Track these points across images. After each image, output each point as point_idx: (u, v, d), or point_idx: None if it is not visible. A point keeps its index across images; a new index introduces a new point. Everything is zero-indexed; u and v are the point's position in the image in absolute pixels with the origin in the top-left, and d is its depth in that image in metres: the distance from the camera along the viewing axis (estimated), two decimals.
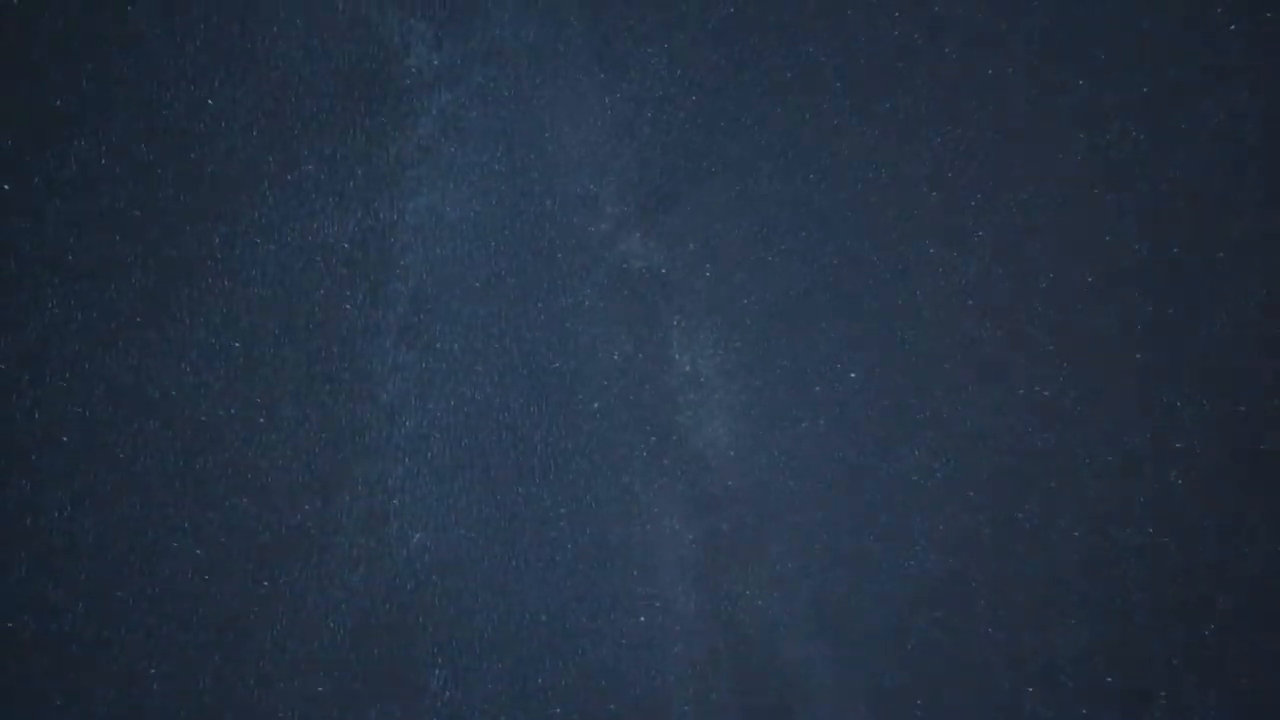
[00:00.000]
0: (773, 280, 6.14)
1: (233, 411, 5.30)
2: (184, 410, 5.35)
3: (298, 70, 5.27)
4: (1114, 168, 6.18)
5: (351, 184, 5.32)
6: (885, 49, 5.95)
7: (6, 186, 4.63)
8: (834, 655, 6.55)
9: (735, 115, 5.83)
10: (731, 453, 6.32)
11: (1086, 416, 6.26)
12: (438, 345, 5.60)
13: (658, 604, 6.26)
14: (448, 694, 5.85)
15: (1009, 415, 6.37)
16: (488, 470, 5.83)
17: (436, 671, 5.86)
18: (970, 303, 6.42)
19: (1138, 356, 6.29)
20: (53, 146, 5.03)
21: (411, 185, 5.43)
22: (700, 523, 6.37)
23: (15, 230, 5.05)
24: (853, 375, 6.34)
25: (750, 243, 6.06)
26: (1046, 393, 6.25)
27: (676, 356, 6.14)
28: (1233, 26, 5.85)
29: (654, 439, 6.18)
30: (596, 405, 5.92)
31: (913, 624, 6.58)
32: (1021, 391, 6.25)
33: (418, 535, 5.81)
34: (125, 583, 5.44)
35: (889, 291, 6.38)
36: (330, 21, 5.18)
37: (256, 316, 5.30)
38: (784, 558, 6.55)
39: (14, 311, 5.02)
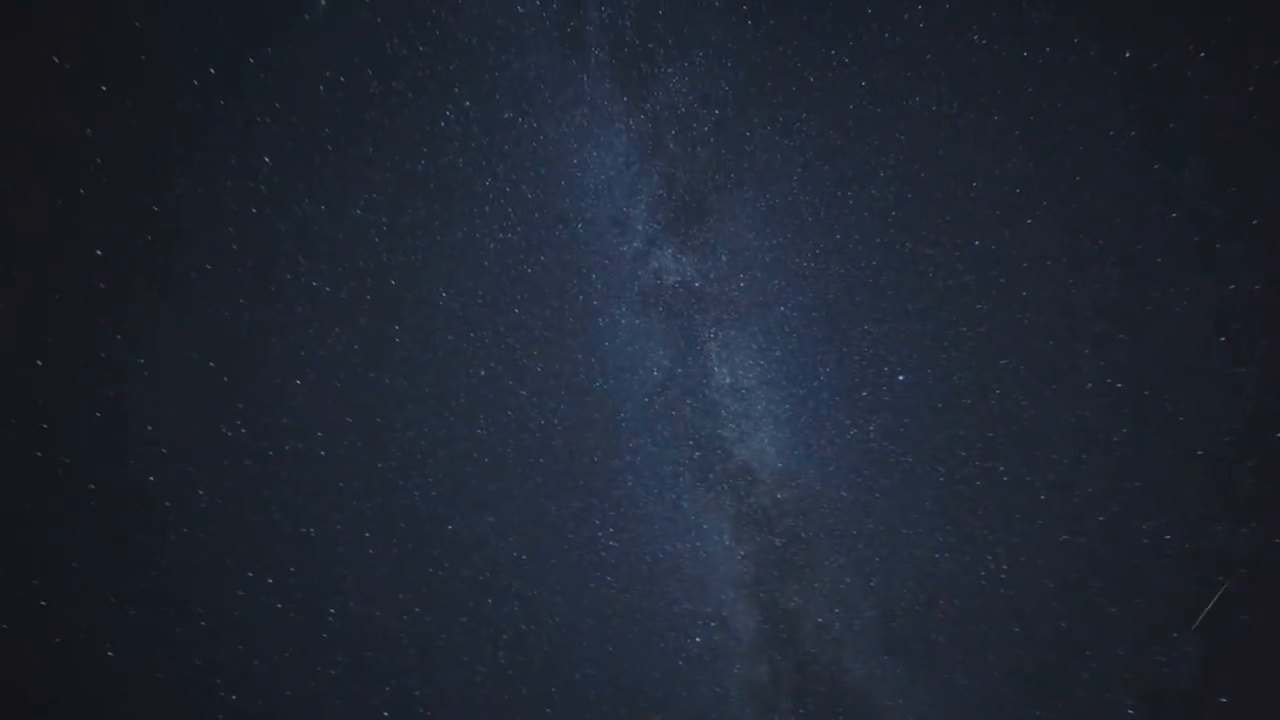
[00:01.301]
0: (810, 286, 5.68)
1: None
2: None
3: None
4: (1165, 153, 5.45)
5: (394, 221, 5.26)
6: (909, 44, 5.48)
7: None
8: (905, 674, 5.82)
9: (759, 125, 5.49)
10: (779, 464, 5.82)
11: (1166, 407, 5.41)
12: (481, 371, 5.43)
13: (713, 623, 5.78)
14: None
15: (1079, 410, 5.59)
16: (535, 492, 5.57)
17: (494, 695, 5.55)
18: (1025, 294, 5.74)
19: (1222, 340, 5.42)
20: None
21: (448, 215, 5.33)
22: (752, 537, 5.86)
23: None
24: (901, 378, 5.74)
25: (783, 250, 5.65)
26: (1120, 385, 5.46)
27: (716, 369, 5.75)
28: None
29: (698, 454, 5.77)
30: (639, 422, 5.58)
31: (990, 639, 5.78)
32: (1091, 385, 5.48)
33: (477, 557, 5.58)
34: None
35: (936, 288, 5.78)
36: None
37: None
38: (843, 572, 5.93)
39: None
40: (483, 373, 5.47)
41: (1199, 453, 5.17)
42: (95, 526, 5.17)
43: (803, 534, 5.57)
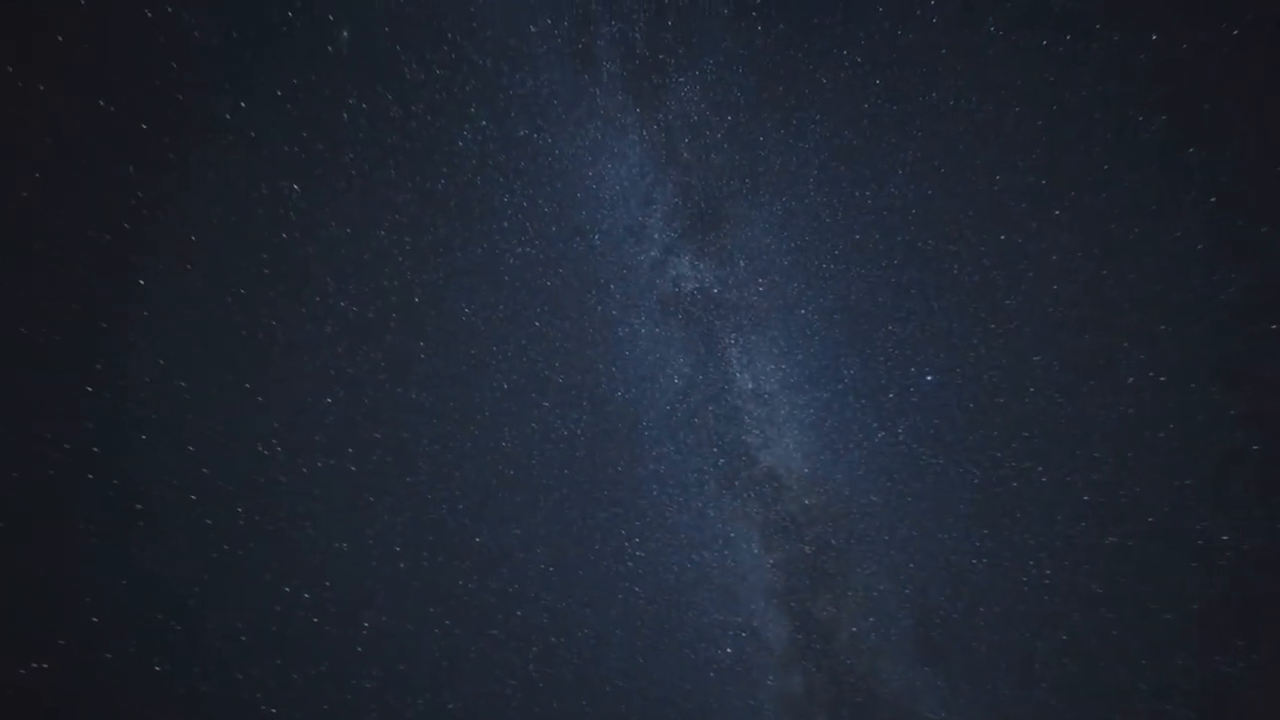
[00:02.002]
0: (830, 287, 5.43)
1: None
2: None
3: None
4: (1199, 136, 5.06)
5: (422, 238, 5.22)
6: (922, 40, 5.24)
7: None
8: (945, 686, 5.42)
9: (772, 129, 5.30)
10: (806, 470, 5.54)
11: (1215, 400, 4.97)
12: (504, 384, 5.32)
13: (744, 633, 5.49)
14: None
15: (1121, 406, 5.19)
16: (560, 503, 5.41)
17: (526, 708, 5.37)
18: (1057, 287, 5.38)
19: (1274, 329, 4.97)
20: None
21: (468, 233, 5.27)
22: (781, 545, 5.58)
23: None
24: (929, 378, 5.42)
25: (802, 252, 5.42)
26: (1163, 378, 5.04)
27: (737, 375, 5.53)
28: None
29: (722, 461, 5.53)
30: (661, 431, 5.38)
31: (1036, 648, 5.35)
32: (1132, 379, 5.08)
33: (505, 569, 5.43)
34: None
35: (962, 285, 5.47)
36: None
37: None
38: (877, 579, 5.59)
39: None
40: (506, 386, 5.35)
41: (1254, 448, 4.71)
42: (141, 544, 5.18)
43: (833, 541, 5.27)
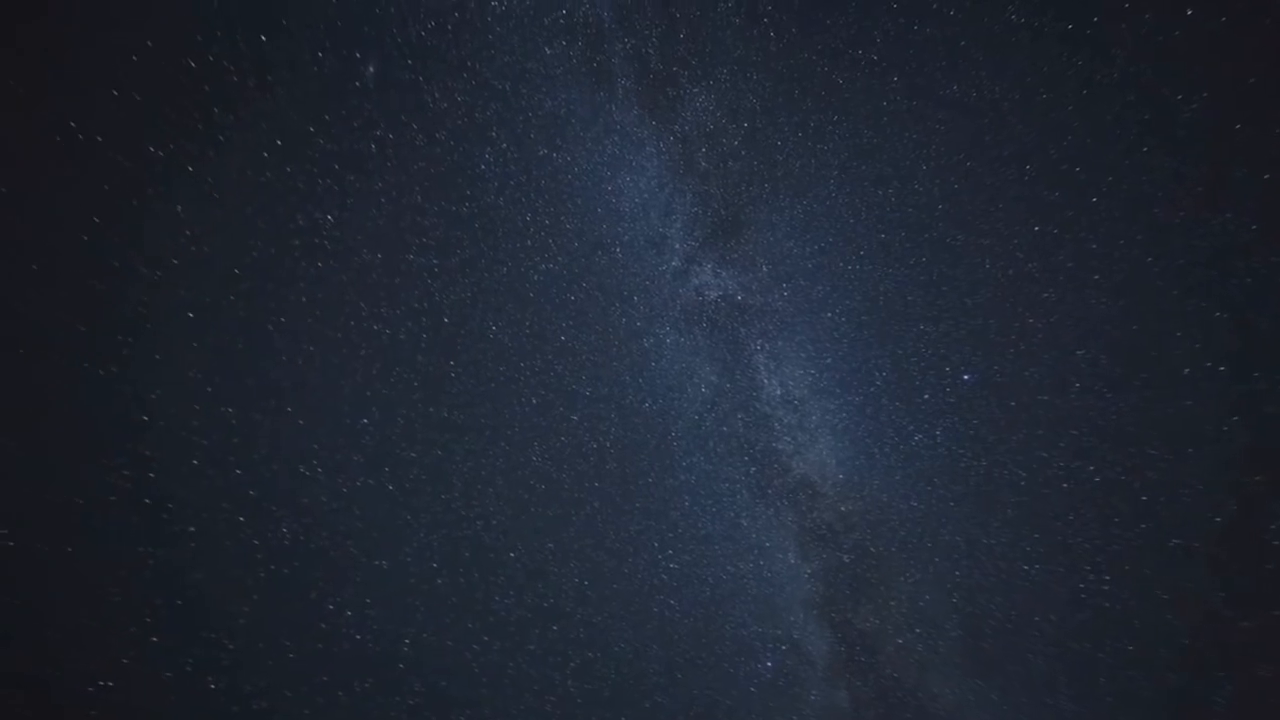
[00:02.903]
0: (857, 289, 5.10)
1: None
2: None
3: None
4: (1247, 111, 4.58)
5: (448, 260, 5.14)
6: (940, 33, 4.92)
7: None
8: (1002, 700, 4.93)
9: (790, 133, 5.04)
10: (840, 476, 5.18)
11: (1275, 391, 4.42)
12: (533, 400, 5.16)
13: (784, 646, 5.13)
14: None
15: (1177, 399, 4.68)
16: (592, 517, 5.18)
17: None
18: (1099, 277, 4.93)
19: None
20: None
21: (493, 252, 5.17)
22: (818, 554, 5.22)
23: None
24: (966, 377, 5.02)
25: (826, 255, 5.12)
26: (1223, 368, 4.53)
27: (765, 381, 5.23)
28: None
29: (754, 469, 5.22)
30: (691, 441, 5.11)
31: (1099, 661, 4.83)
32: (1187, 370, 4.58)
33: (540, 584, 5.22)
34: None
35: (996, 280, 5.07)
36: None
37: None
38: (921, 588, 5.17)
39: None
40: (534, 401, 5.18)
41: None
42: (194, 566, 5.17)
43: (872, 549, 4.87)
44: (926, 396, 4.73)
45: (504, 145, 5.32)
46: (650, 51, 5.26)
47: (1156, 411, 4.57)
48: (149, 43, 4.90)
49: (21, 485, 5.02)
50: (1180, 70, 4.56)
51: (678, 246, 5.25)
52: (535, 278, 5.38)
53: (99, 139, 4.94)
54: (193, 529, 5.08)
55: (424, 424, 5.34)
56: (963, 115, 5.02)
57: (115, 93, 4.92)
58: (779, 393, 4.99)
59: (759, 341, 5.03)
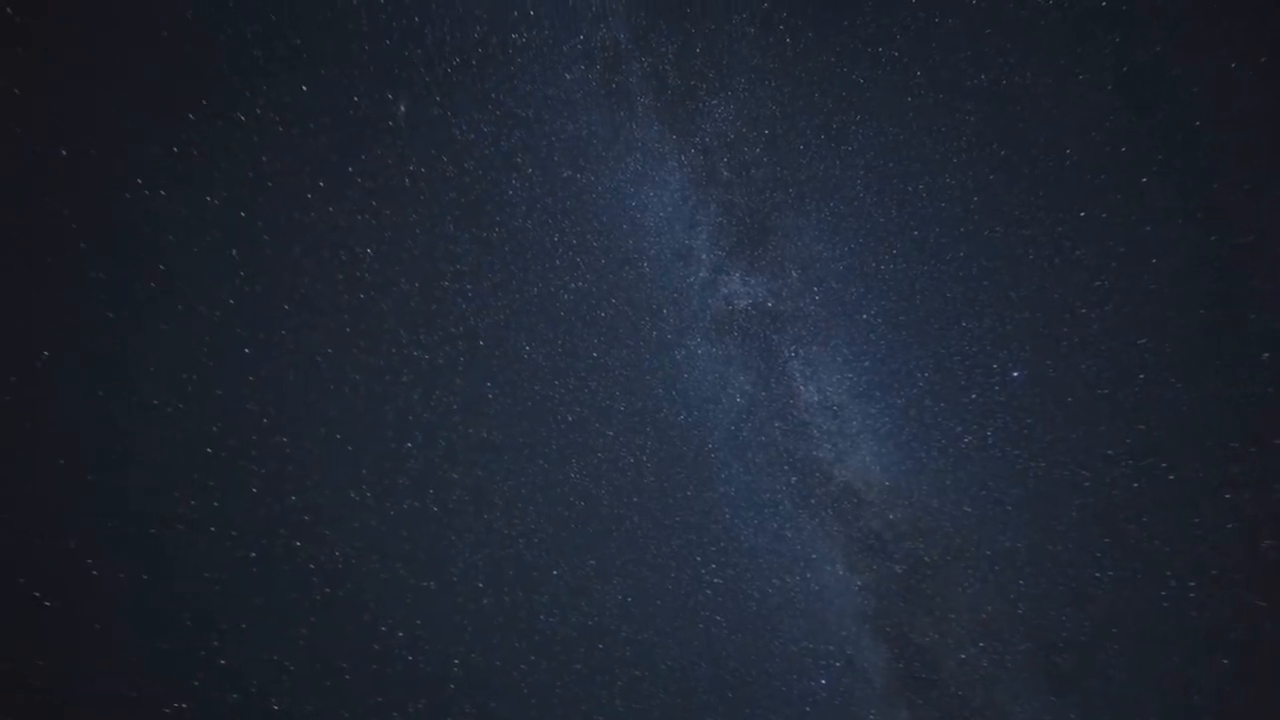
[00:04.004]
0: (892, 289, 4.68)
1: None
2: None
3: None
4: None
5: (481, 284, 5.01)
6: (963, 24, 4.52)
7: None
8: (1079, 718, 4.29)
9: (812, 136, 4.72)
10: (886, 482, 4.70)
11: None
12: (568, 417, 4.91)
13: (838, 663, 4.64)
14: None
15: (1257, 386, 4.04)
16: (632, 532, 4.85)
17: None
18: (1157, 261, 4.38)
19: None
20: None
21: (523, 274, 4.99)
22: (868, 565, 4.73)
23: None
24: (1016, 374, 4.50)
25: (857, 256, 4.73)
26: None
27: (801, 388, 4.84)
28: None
29: (795, 479, 4.81)
30: (728, 452, 4.75)
31: (1191, 675, 4.15)
32: (1266, 354, 3.94)
33: (584, 602, 4.91)
34: None
35: (1041, 270, 4.56)
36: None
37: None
38: (983, 599, 4.60)
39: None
40: (570, 418, 4.93)
41: None
42: (256, 591, 5.08)
43: (926, 558, 4.36)
44: (974, 396, 4.21)
45: (529, 170, 5.17)
46: (667, 68, 5.04)
47: (1234, 400, 3.93)
48: (204, 102, 4.98)
49: (104, 520, 5.05)
50: (1232, 35, 4.00)
51: (705, 257, 4.95)
52: (565, 297, 5.16)
53: (161, 193, 5.01)
54: (253, 554, 5.01)
55: (464, 445, 5.16)
56: (993, 104, 4.57)
57: (175, 149, 5.01)
58: (816, 399, 4.56)
59: (793, 348, 4.63)
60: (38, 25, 4.36)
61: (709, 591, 4.70)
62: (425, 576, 5.32)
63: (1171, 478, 4.07)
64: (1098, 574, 4.16)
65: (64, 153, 4.79)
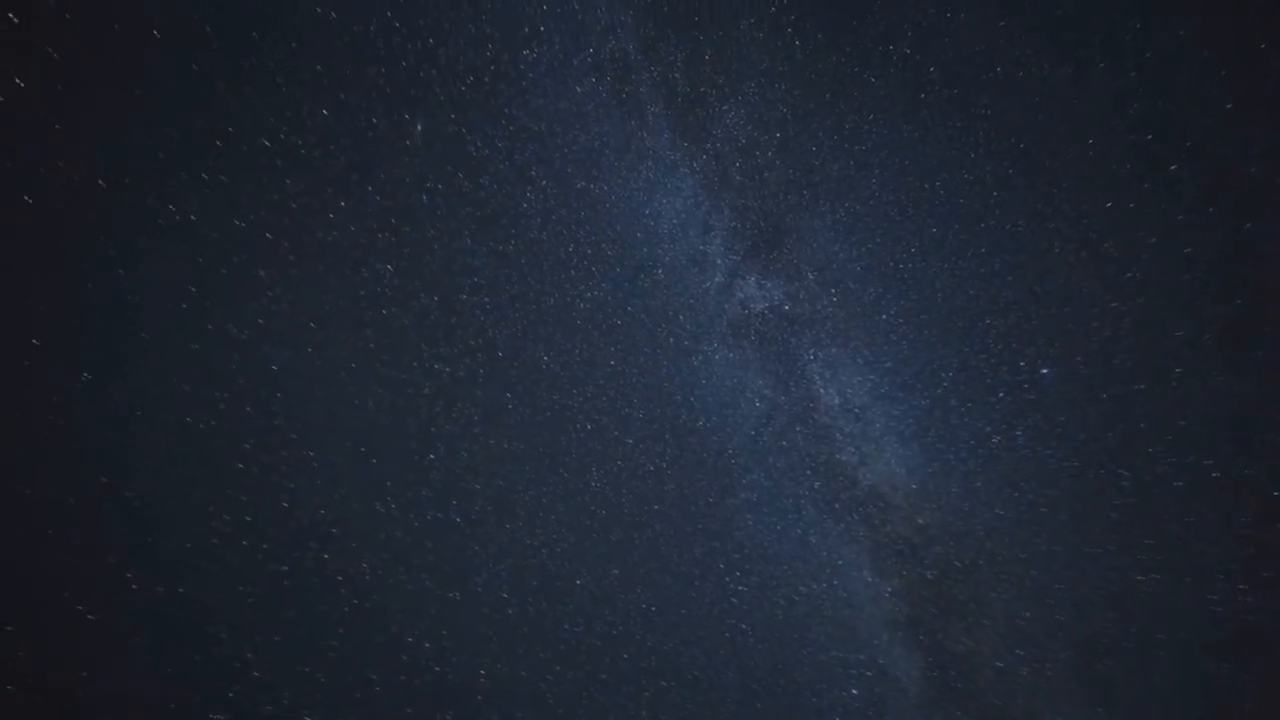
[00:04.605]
0: (911, 288, 4.46)
1: None
2: None
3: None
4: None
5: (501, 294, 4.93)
6: (977, 16, 4.32)
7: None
8: None
9: (824, 137, 4.54)
10: (913, 486, 4.46)
11: None
12: (588, 425, 4.77)
13: (869, 672, 4.39)
14: None
15: None
16: (654, 540, 4.68)
17: None
18: (1190, 250, 4.10)
19: None
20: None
21: (540, 285, 4.90)
22: (897, 571, 4.48)
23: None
24: (1045, 371, 4.24)
25: (874, 256, 4.52)
26: None
27: (822, 391, 4.63)
28: None
29: (818, 483, 4.59)
30: (749, 457, 4.56)
31: (1242, 681, 3.80)
32: None
33: (608, 610, 4.74)
34: None
35: (1067, 263, 4.30)
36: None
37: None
38: (1019, 605, 4.32)
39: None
40: (589, 426, 4.80)
41: None
42: (286, 605, 5.03)
43: (957, 562, 4.10)
44: (1002, 395, 3.96)
45: (543, 182, 5.08)
46: (677, 77, 4.92)
47: None
48: (230, 129, 5.00)
49: (142, 536, 5.06)
50: (1263, 15, 3.72)
51: (719, 262, 4.79)
52: (582, 306, 5.04)
53: (193, 218, 5.04)
54: (284, 567, 4.95)
55: (485, 456, 5.06)
56: (1010, 97, 4.34)
57: (204, 176, 5.04)
58: (838, 402, 4.35)
59: (811, 350, 4.43)
60: (80, 64, 4.41)
61: (734, 599, 4.48)
62: (450, 587, 5.21)
63: (1216, 475, 3.75)
64: (1140, 577, 3.85)
65: (101, 184, 4.83)
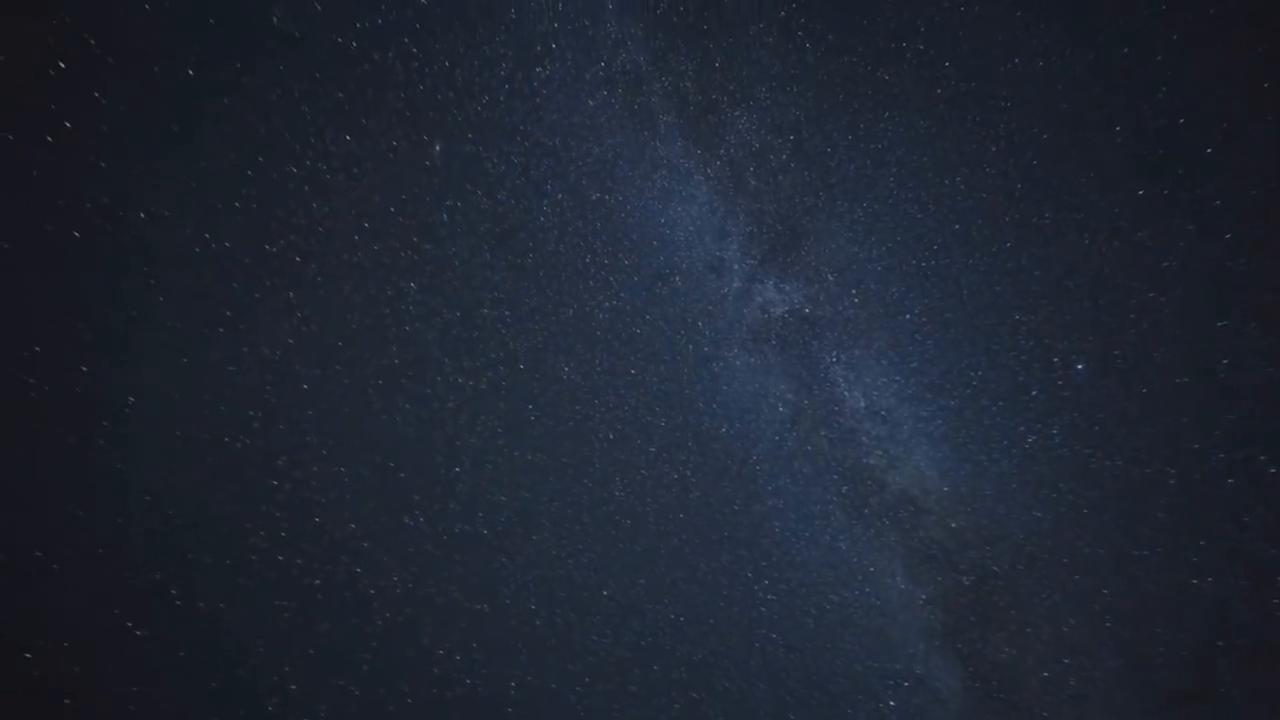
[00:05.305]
0: (935, 285, 4.24)
1: None
2: None
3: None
4: None
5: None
6: (992, 8, 4.11)
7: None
8: None
9: (839, 138, 4.37)
10: (945, 489, 4.20)
11: None
12: (610, 435, 4.64)
13: (907, 682, 4.13)
14: None
15: None
16: (680, 550, 4.50)
17: None
18: (1229, 237, 3.80)
19: None
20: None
21: (558, 297, 4.81)
22: (931, 577, 4.22)
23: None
24: (1080, 366, 3.96)
25: (895, 255, 4.32)
26: None
27: (846, 394, 4.42)
28: None
29: (845, 488, 4.37)
30: (774, 463, 4.36)
31: None
32: None
33: (636, 621, 4.56)
34: None
35: (1100, 253, 4.03)
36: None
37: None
38: (1063, 611, 4.02)
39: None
40: (611, 436, 4.67)
41: None
42: (320, 619, 4.97)
43: (995, 568, 3.82)
44: (1035, 393, 3.69)
45: (559, 196, 5.01)
46: (688, 86, 4.81)
47: None
48: (260, 159, 5.05)
49: (183, 553, 5.07)
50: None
51: (737, 267, 4.64)
52: (600, 316, 4.93)
53: (227, 245, 5.09)
54: (318, 582, 4.89)
55: (510, 467, 4.96)
56: (1029, 87, 4.10)
57: (237, 204, 5.09)
58: (863, 404, 4.12)
59: (834, 353, 4.22)
60: (124, 106, 4.50)
61: (763, 608, 4.26)
62: (479, 599, 5.09)
63: (1272, 471, 3.41)
64: (1195, 581, 3.52)
65: (142, 215, 4.91)
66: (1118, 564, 3.87)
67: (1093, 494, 3.97)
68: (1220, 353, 3.83)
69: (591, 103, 5.11)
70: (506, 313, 5.26)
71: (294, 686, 5.25)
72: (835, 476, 4.48)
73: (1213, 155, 3.84)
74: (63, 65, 4.55)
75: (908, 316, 4.38)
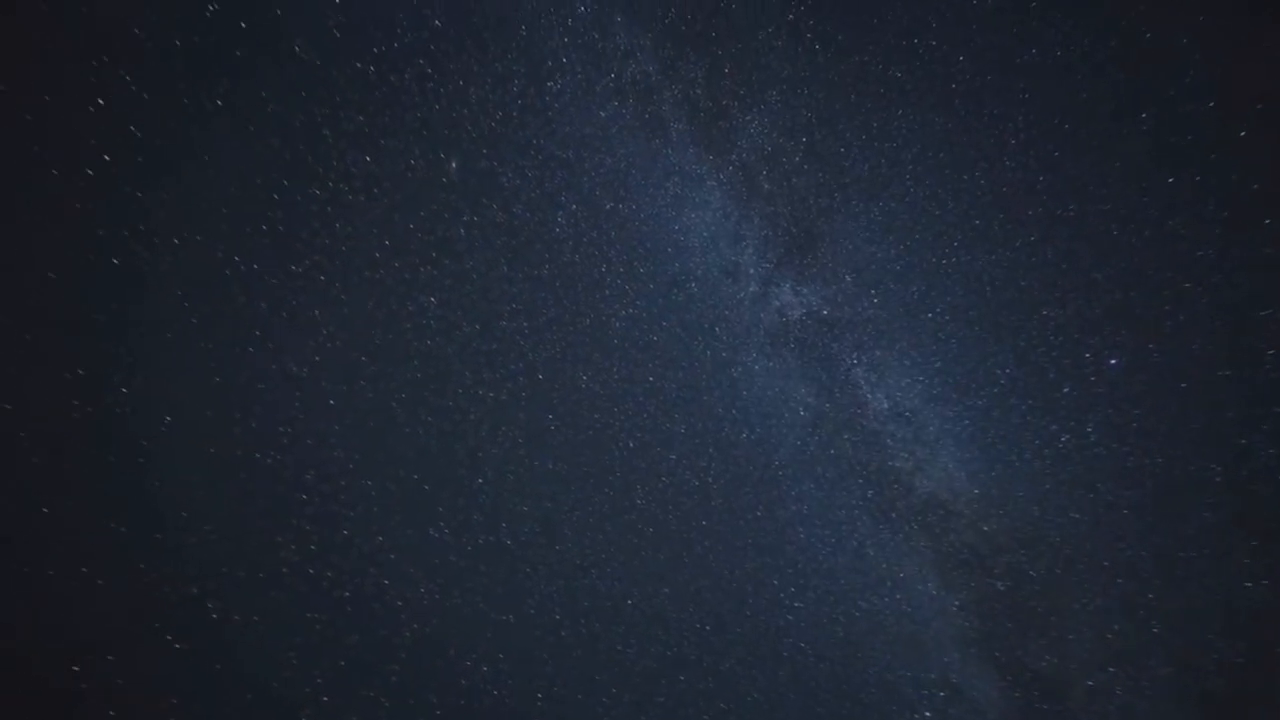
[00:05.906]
0: (957, 283, 4.05)
1: None
2: None
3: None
4: None
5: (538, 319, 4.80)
6: (1009, 2, 3.94)
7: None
8: None
9: (852, 138, 4.23)
10: (975, 491, 3.99)
11: None
12: (630, 443, 4.53)
13: (942, 692, 3.91)
14: None
15: None
16: (704, 557, 4.35)
17: None
18: (1269, 222, 3.54)
19: None
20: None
21: (575, 306, 4.73)
22: (964, 583, 4.00)
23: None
24: (1113, 361, 3.73)
25: (914, 254, 4.14)
26: None
27: (869, 396, 4.24)
28: None
29: (870, 492, 4.18)
30: (796, 468, 4.19)
31: None
32: None
33: (660, 631, 4.42)
34: None
35: (1130, 245, 3.81)
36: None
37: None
38: (1107, 617, 3.77)
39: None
40: (631, 444, 4.55)
41: None
42: (350, 630, 4.92)
43: (1031, 572, 3.61)
44: (1066, 390, 3.47)
45: (573, 207, 4.94)
46: (698, 93, 4.72)
47: None
48: (285, 182, 5.09)
49: (218, 567, 5.07)
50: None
51: (752, 271, 4.51)
52: (617, 324, 4.83)
53: (255, 266, 5.12)
54: (348, 594, 4.85)
55: (531, 478, 4.87)
56: (1049, 78, 3.90)
57: (264, 227, 5.13)
58: (886, 406, 3.93)
59: (854, 355, 4.05)
60: (155, 139, 4.57)
61: (790, 616, 4.08)
62: (504, 610, 5.00)
63: None
64: (1248, 584, 3.25)
65: (176, 241, 4.97)
66: (1162, 566, 3.61)
67: (1132, 494, 3.71)
68: (1263, 343, 3.56)
69: (603, 114, 5.04)
70: (525, 324, 5.20)
71: (326, 698, 5.20)
72: (860, 480, 4.28)
73: (1246, 138, 3.60)
74: (101, 102, 4.66)
75: (929, 315, 4.19)
